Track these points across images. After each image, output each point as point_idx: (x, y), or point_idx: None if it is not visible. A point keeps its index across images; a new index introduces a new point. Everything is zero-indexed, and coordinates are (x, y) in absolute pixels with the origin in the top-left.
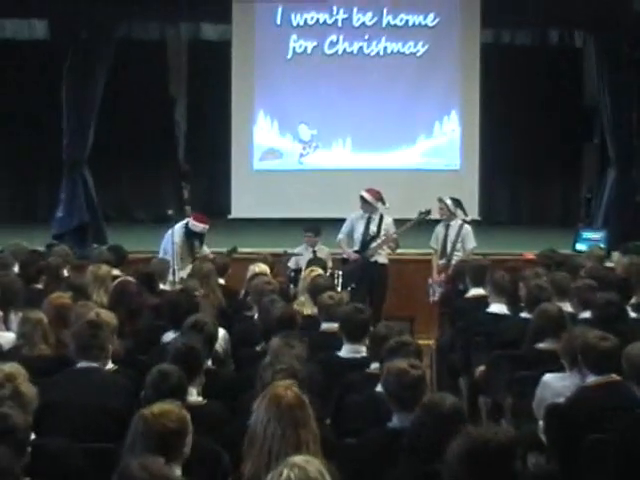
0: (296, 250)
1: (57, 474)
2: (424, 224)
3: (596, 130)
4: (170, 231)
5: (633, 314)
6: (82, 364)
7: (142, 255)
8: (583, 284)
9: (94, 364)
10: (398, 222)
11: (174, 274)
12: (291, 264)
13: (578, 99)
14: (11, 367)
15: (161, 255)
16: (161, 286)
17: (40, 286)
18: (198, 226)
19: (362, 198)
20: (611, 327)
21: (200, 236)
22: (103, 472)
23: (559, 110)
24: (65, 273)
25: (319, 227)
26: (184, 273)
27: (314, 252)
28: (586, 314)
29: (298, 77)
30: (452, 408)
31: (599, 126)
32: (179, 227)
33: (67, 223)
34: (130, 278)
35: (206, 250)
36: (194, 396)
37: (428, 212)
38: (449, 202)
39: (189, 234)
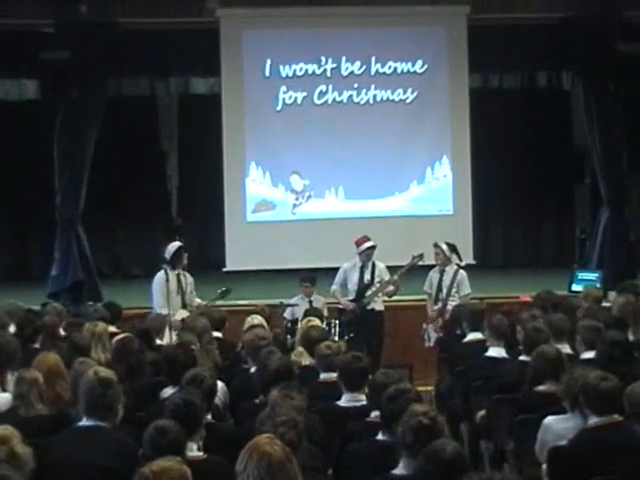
0: (292, 301)
1: None
2: (418, 269)
3: (587, 171)
4: (160, 273)
5: None
6: (87, 422)
7: (138, 311)
8: (589, 324)
9: (101, 423)
10: (392, 269)
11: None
12: (287, 315)
13: (568, 140)
14: (4, 429)
15: (154, 302)
16: (157, 341)
17: (37, 346)
18: (173, 245)
19: (373, 247)
20: (614, 367)
21: (181, 259)
22: None
23: (550, 152)
24: (61, 332)
25: (315, 277)
26: (178, 316)
27: (310, 302)
28: (587, 354)
29: (289, 128)
30: (454, 454)
31: (590, 167)
32: (163, 272)
33: (62, 281)
34: (131, 335)
35: (197, 300)
36: (194, 451)
37: (421, 256)
38: (445, 247)
39: (172, 261)
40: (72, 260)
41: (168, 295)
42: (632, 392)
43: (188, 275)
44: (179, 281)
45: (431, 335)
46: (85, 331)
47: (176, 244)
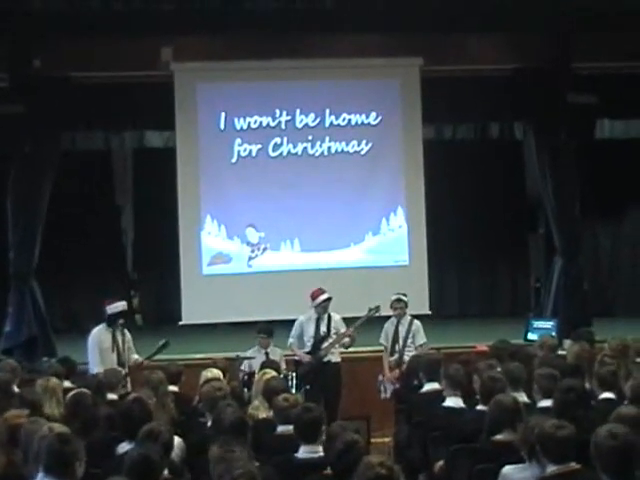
0: (248, 353)
1: None
2: (374, 320)
3: (541, 220)
4: (95, 330)
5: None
6: None
7: None
8: (545, 372)
9: None
10: (348, 320)
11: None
12: (244, 367)
13: (521, 190)
14: None
15: (89, 360)
16: (110, 396)
17: None
18: (117, 306)
19: (329, 300)
20: (570, 414)
21: (122, 319)
22: None
23: (503, 202)
24: (15, 388)
25: (272, 328)
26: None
27: (267, 354)
28: (544, 403)
29: (244, 180)
30: None
31: (543, 216)
32: (98, 328)
33: (15, 337)
34: (85, 390)
35: (135, 356)
36: None
37: (377, 308)
38: (406, 299)
39: (111, 322)
40: (26, 315)
41: (102, 353)
42: (597, 438)
43: (126, 332)
44: (114, 338)
45: (387, 387)
46: (38, 386)
47: (120, 306)
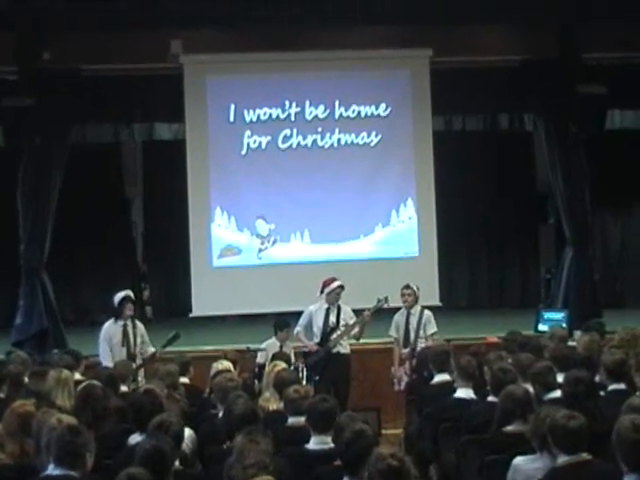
0: (264, 345)
1: None
2: (383, 312)
3: (551, 211)
4: (106, 324)
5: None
6: (56, 472)
7: None
8: (537, 369)
9: (70, 472)
10: (358, 312)
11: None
12: (260, 360)
13: (531, 181)
14: None
15: (100, 354)
16: (122, 388)
17: (2, 395)
18: (118, 296)
19: (342, 287)
20: (579, 404)
21: (131, 305)
22: None
23: (513, 193)
24: (26, 380)
25: (290, 321)
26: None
27: (281, 347)
28: (552, 394)
29: (253, 172)
30: None
31: (553, 207)
32: (108, 324)
33: (27, 329)
34: (95, 382)
35: (151, 349)
36: None
37: (386, 299)
38: (416, 288)
39: (118, 312)
40: (37, 308)
41: (113, 348)
42: (620, 428)
43: (139, 324)
44: (125, 332)
45: (402, 378)
46: (50, 378)
47: (121, 294)
